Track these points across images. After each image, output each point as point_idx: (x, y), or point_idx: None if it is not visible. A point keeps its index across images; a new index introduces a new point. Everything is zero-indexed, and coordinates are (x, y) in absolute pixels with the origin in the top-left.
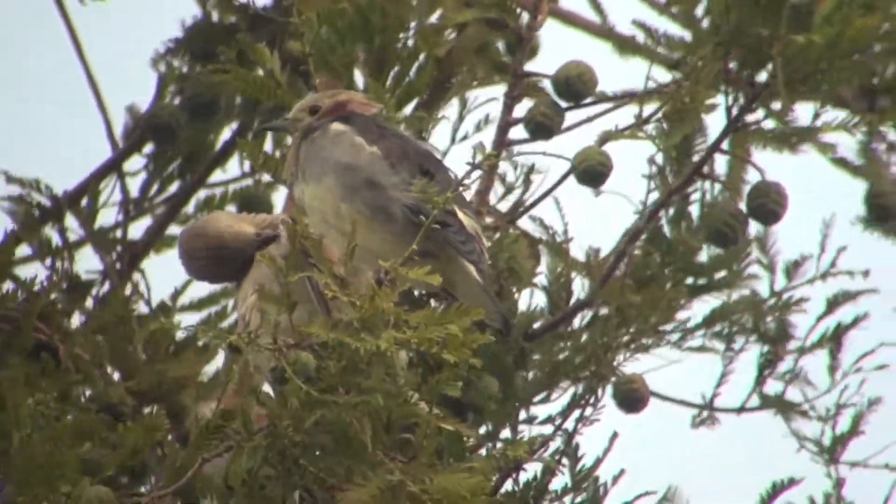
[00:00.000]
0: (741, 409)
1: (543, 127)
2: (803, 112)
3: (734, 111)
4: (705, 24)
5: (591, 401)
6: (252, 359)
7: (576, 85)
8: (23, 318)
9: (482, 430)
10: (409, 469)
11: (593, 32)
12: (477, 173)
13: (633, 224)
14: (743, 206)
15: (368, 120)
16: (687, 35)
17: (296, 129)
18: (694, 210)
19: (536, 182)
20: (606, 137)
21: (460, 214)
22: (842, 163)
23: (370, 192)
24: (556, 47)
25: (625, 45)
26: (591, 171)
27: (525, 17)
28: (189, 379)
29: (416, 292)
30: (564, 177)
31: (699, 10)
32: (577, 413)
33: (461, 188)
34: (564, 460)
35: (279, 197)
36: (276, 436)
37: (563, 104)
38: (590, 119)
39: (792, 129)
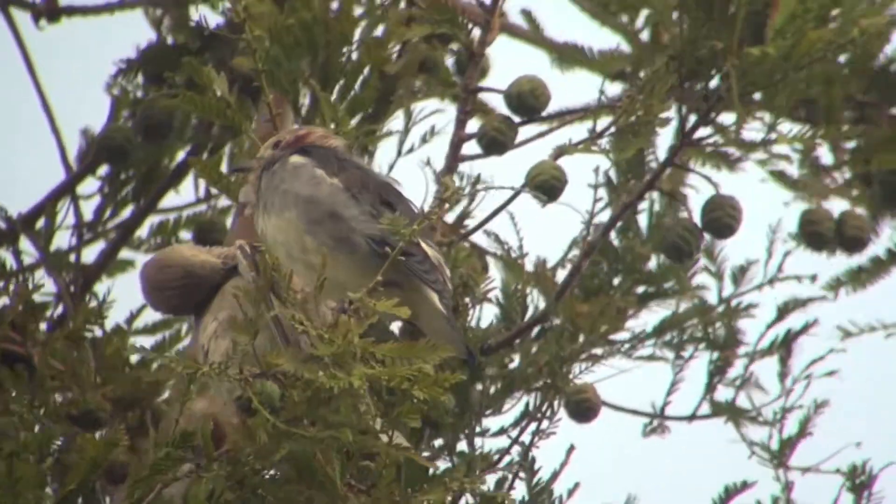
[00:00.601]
0: (692, 417)
1: (496, 142)
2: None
3: (687, 125)
4: (644, 36)
5: (547, 413)
6: (214, 387)
7: (528, 100)
8: None
9: (438, 442)
10: (371, 502)
11: (539, 45)
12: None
13: (580, 235)
14: (697, 219)
15: (328, 152)
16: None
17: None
18: (642, 219)
19: (487, 196)
20: (560, 152)
21: (423, 244)
22: (780, 176)
23: (333, 225)
24: (504, 61)
25: (565, 58)
26: (546, 185)
27: (476, 32)
28: (163, 384)
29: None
30: (518, 191)
31: (639, 23)
32: (533, 426)
33: (427, 221)
34: (521, 473)
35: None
36: (237, 463)
37: (516, 119)
38: (542, 134)
39: (742, 144)
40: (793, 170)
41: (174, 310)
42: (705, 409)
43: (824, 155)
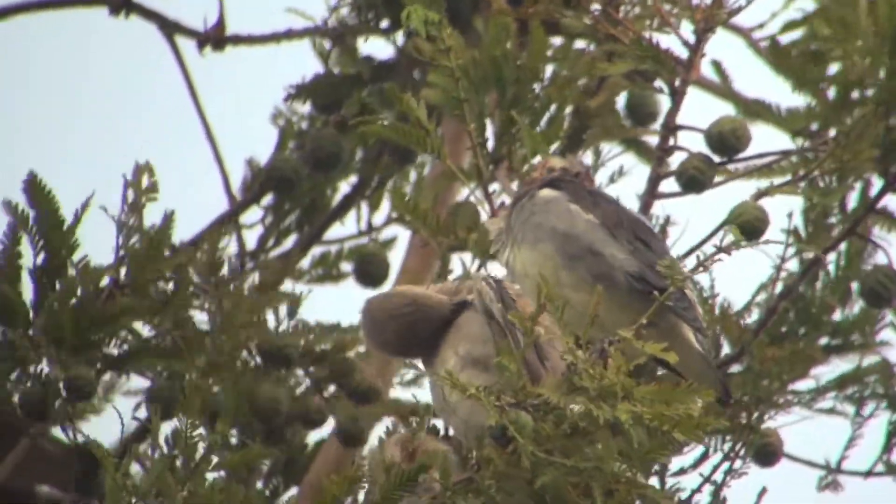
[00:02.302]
0: (868, 474)
1: (695, 181)
2: None
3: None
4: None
5: (740, 452)
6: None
7: (729, 140)
8: None
9: None
10: None
11: (727, 98)
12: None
13: (769, 278)
14: None
15: (578, 186)
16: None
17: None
18: (830, 268)
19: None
20: (762, 193)
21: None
22: None
23: (593, 260)
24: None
25: (752, 112)
26: (749, 226)
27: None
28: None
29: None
30: (716, 230)
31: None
32: (725, 465)
33: (702, 270)
34: None
35: (396, 256)
36: (475, 492)
37: (716, 158)
38: (742, 174)
39: None
40: None
41: (400, 346)
42: (882, 467)
43: None
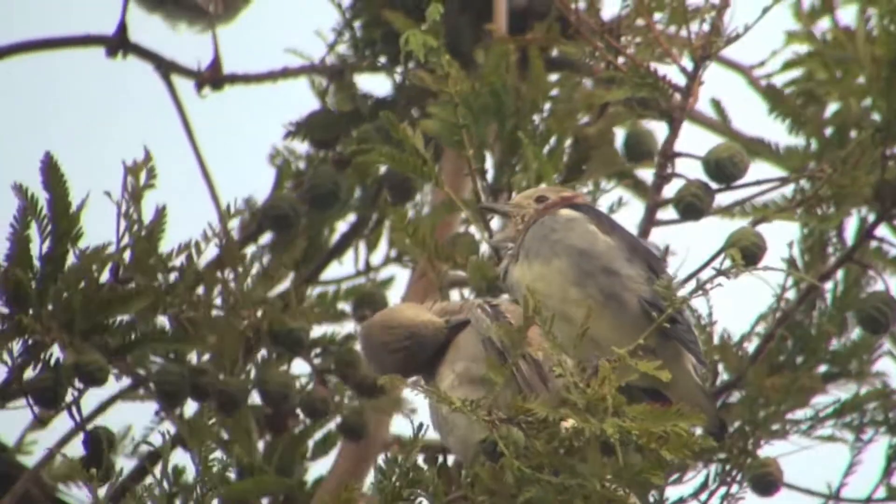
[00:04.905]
0: (868, 500)
1: (693, 208)
2: None
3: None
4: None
5: (737, 477)
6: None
7: (727, 167)
8: None
9: None
10: None
11: (726, 135)
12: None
13: (770, 307)
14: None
15: (598, 212)
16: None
17: (518, 216)
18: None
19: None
20: (760, 219)
21: (686, 313)
22: None
23: (607, 280)
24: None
25: (751, 150)
26: (747, 251)
27: (676, 97)
28: None
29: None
30: (714, 256)
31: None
32: (721, 491)
33: (701, 293)
34: None
35: (394, 294)
36: None
37: (714, 185)
38: (741, 202)
39: None
40: None
41: (398, 371)
42: (881, 492)
43: None
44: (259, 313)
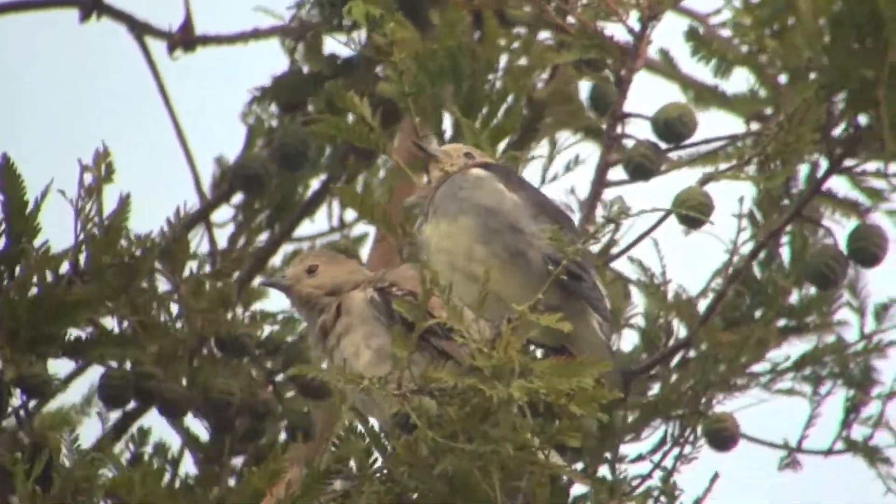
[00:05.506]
0: (828, 452)
1: (643, 168)
2: None
3: (835, 153)
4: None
5: (690, 438)
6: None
7: (676, 126)
8: None
9: (579, 466)
10: None
11: (676, 80)
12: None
13: (724, 263)
14: (843, 248)
15: (508, 170)
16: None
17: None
18: (784, 251)
19: (631, 222)
20: (707, 178)
21: (593, 273)
22: None
23: (512, 237)
24: (641, 95)
25: (702, 98)
26: (694, 211)
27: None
28: None
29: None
30: (663, 218)
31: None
32: (674, 452)
33: (592, 240)
34: (662, 499)
35: (367, 251)
36: (393, 481)
37: (663, 145)
38: (689, 161)
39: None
40: None
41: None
42: (840, 445)
43: None
44: (200, 322)
